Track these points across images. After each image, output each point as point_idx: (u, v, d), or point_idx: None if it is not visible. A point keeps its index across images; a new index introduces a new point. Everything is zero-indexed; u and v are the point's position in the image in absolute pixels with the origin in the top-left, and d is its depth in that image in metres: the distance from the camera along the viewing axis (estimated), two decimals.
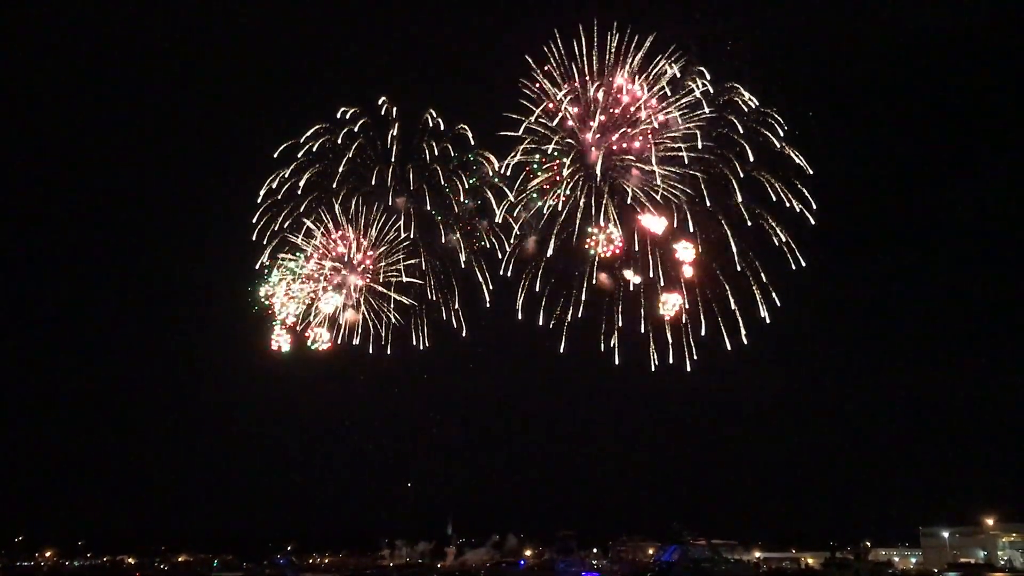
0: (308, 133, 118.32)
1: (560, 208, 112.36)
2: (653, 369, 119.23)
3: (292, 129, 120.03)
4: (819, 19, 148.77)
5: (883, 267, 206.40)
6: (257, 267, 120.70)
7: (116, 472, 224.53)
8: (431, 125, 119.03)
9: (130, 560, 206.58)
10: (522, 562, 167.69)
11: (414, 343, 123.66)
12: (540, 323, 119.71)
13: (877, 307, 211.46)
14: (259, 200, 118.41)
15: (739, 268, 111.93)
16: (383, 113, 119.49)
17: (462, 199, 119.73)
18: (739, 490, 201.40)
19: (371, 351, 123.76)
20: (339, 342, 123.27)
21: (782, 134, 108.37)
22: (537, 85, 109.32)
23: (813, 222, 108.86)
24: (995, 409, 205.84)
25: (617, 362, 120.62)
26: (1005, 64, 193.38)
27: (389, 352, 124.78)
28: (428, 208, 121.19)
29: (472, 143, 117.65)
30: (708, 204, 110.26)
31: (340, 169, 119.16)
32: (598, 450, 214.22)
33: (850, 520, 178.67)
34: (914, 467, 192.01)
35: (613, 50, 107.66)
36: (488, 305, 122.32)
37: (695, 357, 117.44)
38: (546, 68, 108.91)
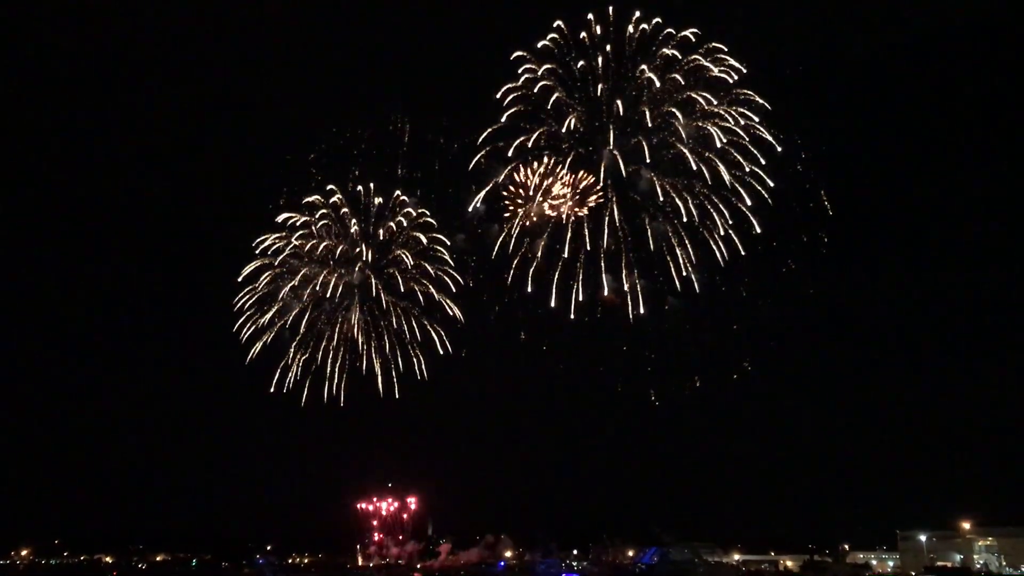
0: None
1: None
2: (636, 375, 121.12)
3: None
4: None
5: (865, 273, 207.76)
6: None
7: (94, 471, 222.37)
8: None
9: (107, 559, 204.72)
10: (502, 563, 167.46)
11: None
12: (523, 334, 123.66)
13: (858, 312, 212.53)
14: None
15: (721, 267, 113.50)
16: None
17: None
18: (719, 493, 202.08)
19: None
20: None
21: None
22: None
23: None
24: (973, 415, 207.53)
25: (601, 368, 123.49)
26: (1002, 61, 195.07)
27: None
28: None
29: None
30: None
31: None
32: (579, 453, 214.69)
33: (828, 523, 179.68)
34: (892, 471, 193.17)
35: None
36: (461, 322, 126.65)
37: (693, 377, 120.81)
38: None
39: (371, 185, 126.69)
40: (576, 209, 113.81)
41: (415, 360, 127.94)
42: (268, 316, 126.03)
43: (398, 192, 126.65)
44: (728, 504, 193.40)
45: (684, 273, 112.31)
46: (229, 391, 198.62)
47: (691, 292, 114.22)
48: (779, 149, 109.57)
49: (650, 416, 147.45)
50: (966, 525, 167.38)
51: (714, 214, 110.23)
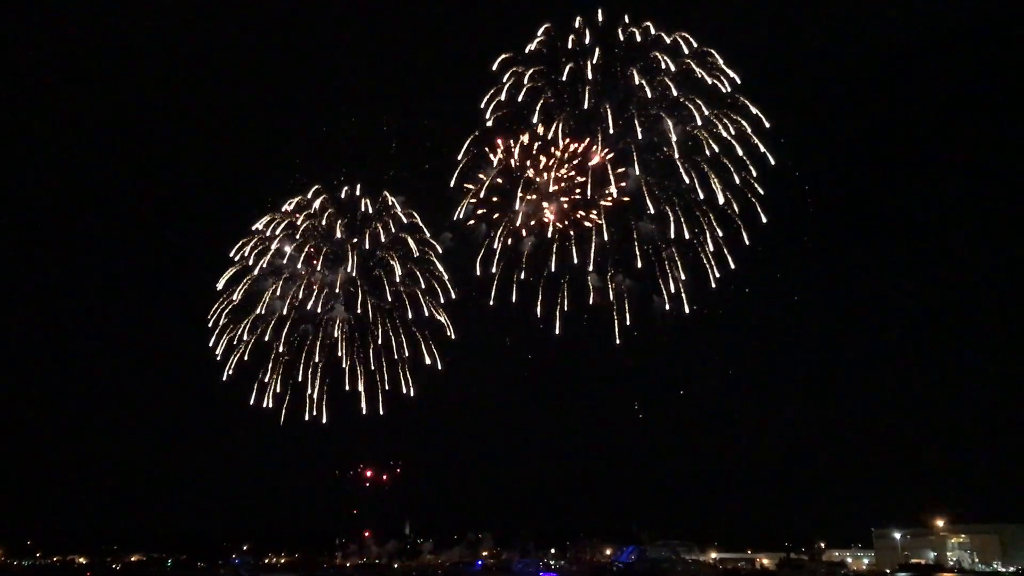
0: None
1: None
2: (611, 373, 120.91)
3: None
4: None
5: (841, 267, 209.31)
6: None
7: (67, 470, 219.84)
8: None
9: (81, 560, 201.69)
10: (479, 562, 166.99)
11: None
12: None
13: (831, 307, 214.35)
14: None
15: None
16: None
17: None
18: (697, 492, 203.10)
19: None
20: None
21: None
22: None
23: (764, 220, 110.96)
24: (946, 414, 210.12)
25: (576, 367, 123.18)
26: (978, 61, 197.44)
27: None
28: None
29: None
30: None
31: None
32: (556, 451, 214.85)
33: (804, 522, 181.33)
34: (867, 470, 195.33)
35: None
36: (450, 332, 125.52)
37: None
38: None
39: (357, 186, 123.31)
40: (565, 208, 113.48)
41: (402, 376, 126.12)
42: (244, 328, 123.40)
43: (386, 193, 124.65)
44: (705, 503, 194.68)
45: (672, 282, 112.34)
46: (206, 391, 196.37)
47: (678, 299, 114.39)
48: (771, 159, 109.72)
49: (630, 417, 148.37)
50: (940, 523, 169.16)
51: (704, 222, 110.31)
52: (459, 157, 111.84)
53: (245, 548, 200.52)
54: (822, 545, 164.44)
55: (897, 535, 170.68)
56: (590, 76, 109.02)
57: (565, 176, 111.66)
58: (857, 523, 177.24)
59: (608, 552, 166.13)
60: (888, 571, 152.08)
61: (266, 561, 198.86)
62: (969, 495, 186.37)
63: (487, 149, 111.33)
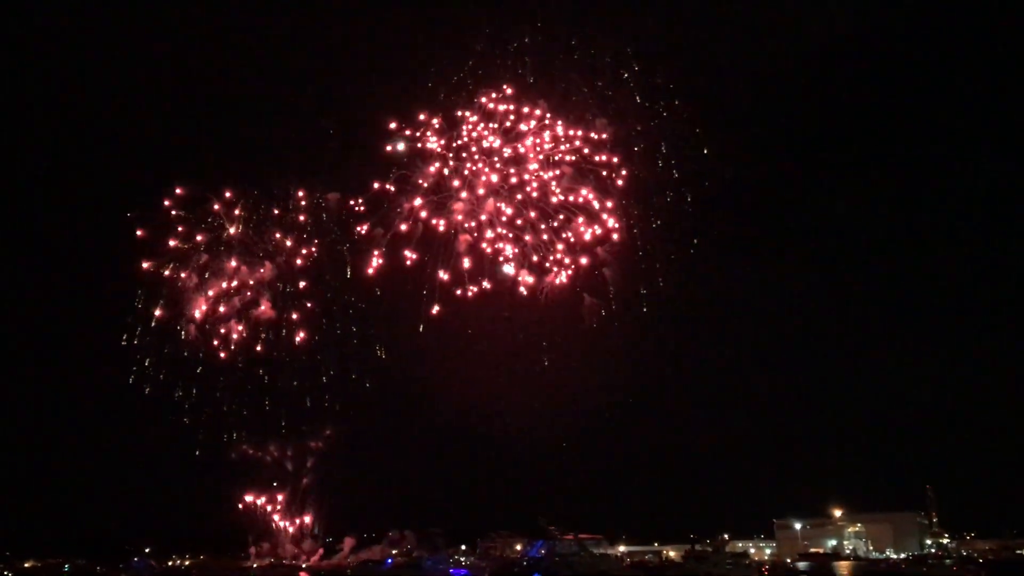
0: None
1: None
2: (516, 368, 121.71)
3: None
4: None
5: (752, 265, 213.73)
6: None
7: None
8: None
9: None
10: (389, 560, 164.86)
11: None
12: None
13: (726, 310, 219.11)
14: None
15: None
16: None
17: None
18: (605, 488, 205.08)
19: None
20: None
21: None
22: None
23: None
24: (843, 407, 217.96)
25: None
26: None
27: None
28: None
29: None
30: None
31: None
32: (464, 448, 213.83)
33: (708, 515, 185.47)
34: (768, 463, 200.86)
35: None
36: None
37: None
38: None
39: None
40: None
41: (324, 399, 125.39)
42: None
43: None
44: (614, 498, 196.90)
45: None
46: (103, 391, 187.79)
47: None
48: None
49: (537, 414, 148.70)
50: (838, 512, 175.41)
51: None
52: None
53: (148, 551, 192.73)
54: (726, 537, 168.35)
55: (798, 525, 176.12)
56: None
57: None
58: (760, 515, 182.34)
59: (518, 547, 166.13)
60: (789, 561, 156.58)
61: (169, 564, 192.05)
62: (866, 485, 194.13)
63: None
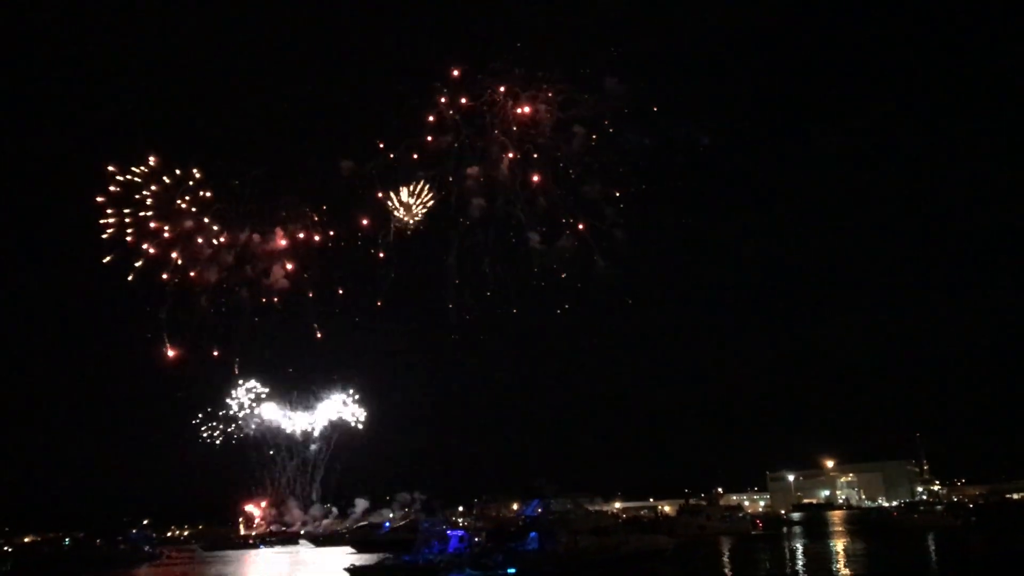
0: None
1: None
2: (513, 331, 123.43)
3: None
4: None
5: (743, 221, 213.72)
6: None
7: None
8: None
9: None
10: (387, 524, 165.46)
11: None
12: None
13: (725, 262, 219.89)
14: None
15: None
16: None
17: None
18: (601, 447, 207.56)
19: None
20: None
21: None
22: None
23: None
24: (832, 362, 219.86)
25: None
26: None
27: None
28: None
29: None
30: None
31: None
32: (460, 412, 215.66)
33: (703, 469, 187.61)
34: (761, 417, 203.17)
35: None
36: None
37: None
38: None
39: None
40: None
41: None
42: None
43: None
44: (610, 456, 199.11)
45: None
46: (100, 369, 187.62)
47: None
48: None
49: (530, 376, 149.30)
50: (830, 463, 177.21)
51: None
52: None
53: (145, 522, 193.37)
54: (720, 491, 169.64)
55: (791, 477, 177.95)
56: None
57: None
58: (753, 468, 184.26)
59: (515, 507, 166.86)
60: (783, 511, 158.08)
61: (168, 534, 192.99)
62: (856, 437, 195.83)
63: None
